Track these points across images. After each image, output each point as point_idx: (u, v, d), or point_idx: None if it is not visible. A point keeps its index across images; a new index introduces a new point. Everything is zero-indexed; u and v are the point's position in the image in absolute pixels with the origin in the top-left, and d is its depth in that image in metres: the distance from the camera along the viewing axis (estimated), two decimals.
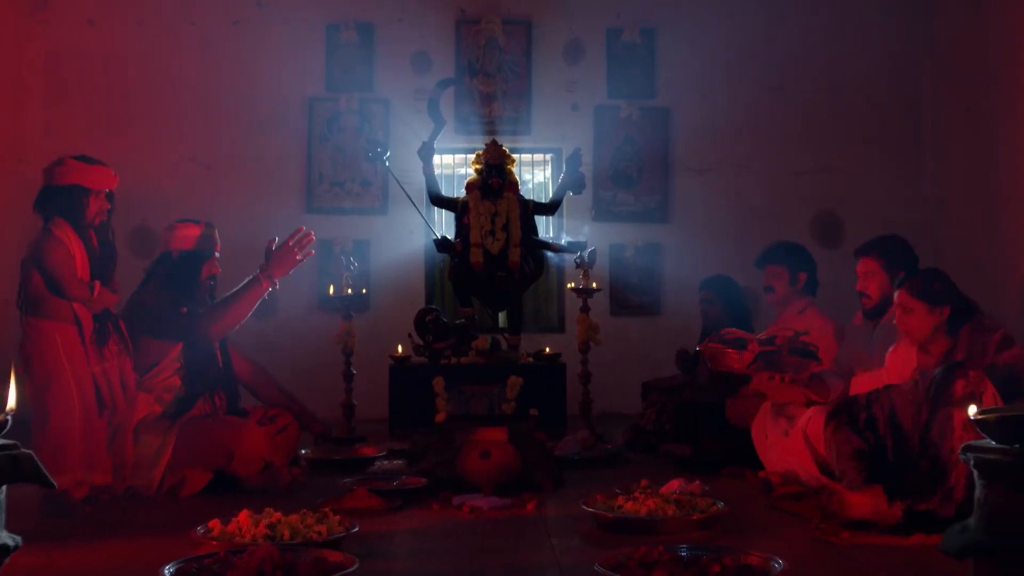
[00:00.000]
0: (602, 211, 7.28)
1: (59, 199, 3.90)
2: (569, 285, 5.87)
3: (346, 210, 7.21)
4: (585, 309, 5.54)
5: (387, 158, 6.28)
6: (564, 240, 6.36)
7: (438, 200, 6.17)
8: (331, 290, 5.68)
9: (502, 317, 6.37)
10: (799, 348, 3.86)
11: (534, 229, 6.13)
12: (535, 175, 7.74)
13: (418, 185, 6.42)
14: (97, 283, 3.86)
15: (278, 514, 3.02)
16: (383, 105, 7.28)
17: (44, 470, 1.85)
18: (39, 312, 3.79)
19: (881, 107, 7.41)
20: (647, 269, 7.12)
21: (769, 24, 7.36)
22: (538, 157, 7.65)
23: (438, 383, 5.26)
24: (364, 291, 6.03)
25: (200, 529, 2.99)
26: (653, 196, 7.29)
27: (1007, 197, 6.28)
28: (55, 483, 1.89)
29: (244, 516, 2.99)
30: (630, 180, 7.33)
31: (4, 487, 1.86)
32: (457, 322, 5.85)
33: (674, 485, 3.64)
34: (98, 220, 3.95)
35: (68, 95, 7.16)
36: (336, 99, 7.26)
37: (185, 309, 4.22)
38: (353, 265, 5.75)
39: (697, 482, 3.69)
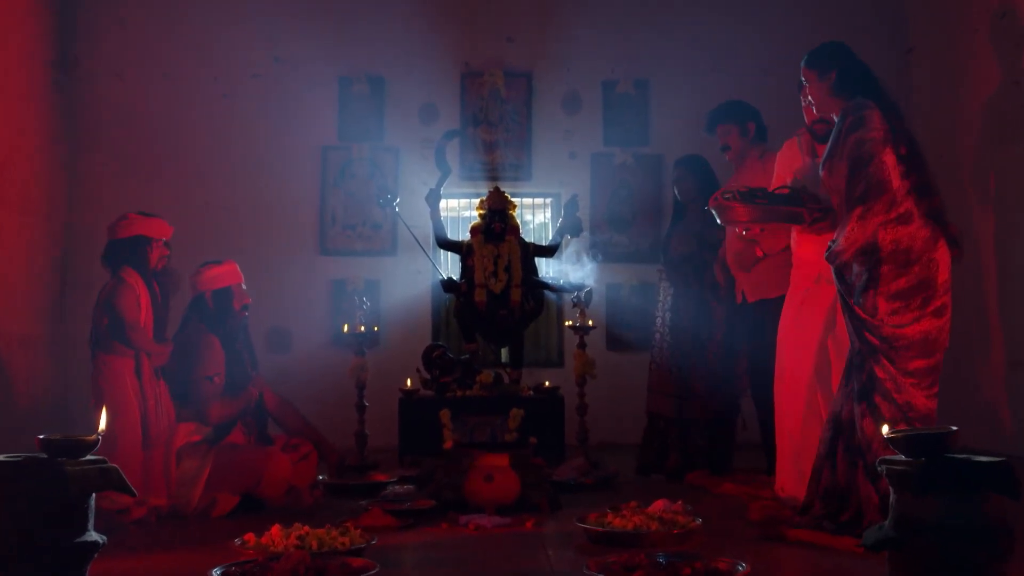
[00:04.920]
0: (598, 252, 7.42)
1: (125, 250, 4.29)
2: (567, 323, 5.98)
3: (357, 252, 7.42)
4: (582, 345, 5.71)
5: (396, 204, 6.43)
6: (562, 280, 6.34)
7: (444, 243, 6.34)
8: (345, 328, 5.84)
9: (504, 353, 6.53)
10: (792, 198, 3.81)
11: (534, 270, 6.24)
12: (535, 216, 7.98)
13: (425, 229, 6.60)
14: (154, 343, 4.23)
15: (306, 527, 3.34)
16: (392, 154, 7.53)
17: (127, 481, 2.24)
18: (109, 350, 4.17)
19: None
20: (641, 307, 7.11)
21: (753, 76, 7.47)
22: (538, 201, 7.86)
23: (444, 414, 5.13)
24: (376, 328, 6.16)
25: (237, 541, 3.30)
26: (646, 238, 7.50)
27: (967, 233, 6.70)
28: (135, 491, 2.28)
29: (276, 529, 3.32)
30: (624, 223, 7.54)
31: (93, 494, 2.24)
32: (462, 357, 6.00)
33: (659, 505, 3.95)
34: (160, 265, 4.34)
35: (98, 143, 7.39)
36: (348, 148, 7.51)
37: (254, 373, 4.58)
38: (365, 304, 5.89)
39: (680, 502, 4.04)
